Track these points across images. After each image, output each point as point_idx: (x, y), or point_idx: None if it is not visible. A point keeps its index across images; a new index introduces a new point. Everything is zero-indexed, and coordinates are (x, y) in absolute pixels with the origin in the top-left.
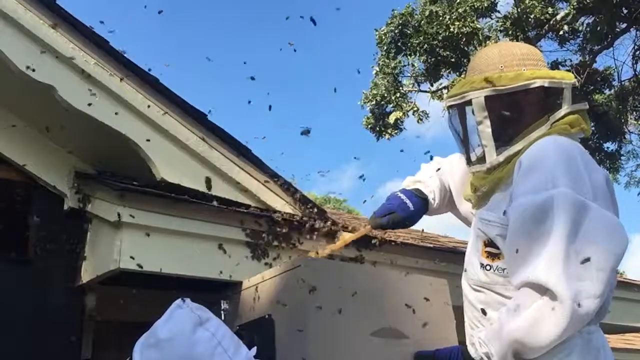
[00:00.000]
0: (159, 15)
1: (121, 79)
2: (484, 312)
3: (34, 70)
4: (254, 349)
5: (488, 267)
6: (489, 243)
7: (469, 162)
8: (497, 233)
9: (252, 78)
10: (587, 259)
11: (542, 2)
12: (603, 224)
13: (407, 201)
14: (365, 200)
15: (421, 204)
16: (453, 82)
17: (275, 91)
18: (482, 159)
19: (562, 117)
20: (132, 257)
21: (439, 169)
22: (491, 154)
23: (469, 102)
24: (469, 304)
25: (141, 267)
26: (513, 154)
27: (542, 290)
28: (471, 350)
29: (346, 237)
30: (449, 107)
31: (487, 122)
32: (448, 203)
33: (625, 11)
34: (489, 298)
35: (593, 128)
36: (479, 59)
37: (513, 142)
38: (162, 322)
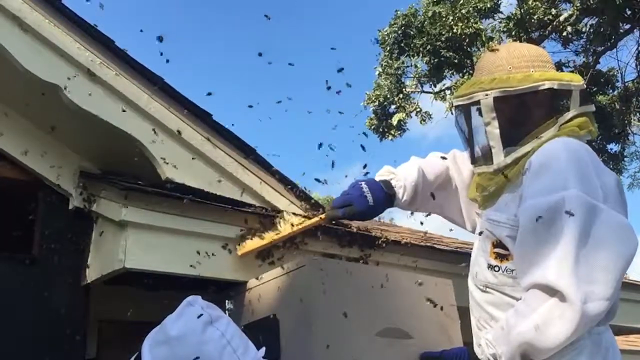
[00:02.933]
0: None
1: (126, 78)
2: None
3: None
4: (263, 350)
5: (497, 268)
6: (498, 244)
7: (474, 162)
8: (506, 234)
9: (263, 58)
10: (597, 262)
11: (545, 3)
12: (613, 226)
13: (368, 194)
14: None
15: (384, 199)
16: (456, 83)
17: (276, 91)
18: (488, 160)
19: (571, 119)
20: (136, 257)
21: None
22: (498, 155)
23: (477, 103)
24: (476, 304)
25: (146, 266)
26: (521, 156)
27: (552, 292)
28: (478, 352)
29: (295, 224)
30: (456, 107)
31: (495, 123)
32: (425, 200)
33: (628, 12)
34: (496, 299)
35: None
36: (487, 59)
37: (521, 143)
38: (172, 319)
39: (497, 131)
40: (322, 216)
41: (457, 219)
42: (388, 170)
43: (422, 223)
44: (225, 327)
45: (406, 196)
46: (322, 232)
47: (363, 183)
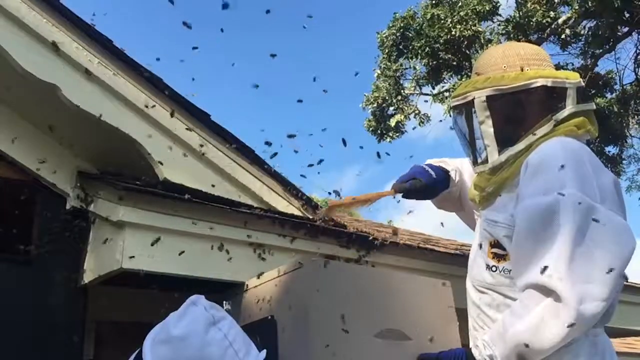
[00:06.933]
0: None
1: (125, 79)
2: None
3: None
4: (264, 352)
5: (494, 269)
6: (495, 244)
7: (474, 162)
8: (504, 234)
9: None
10: (594, 262)
11: (544, 6)
12: (610, 226)
13: (431, 170)
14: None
15: (444, 176)
16: (454, 85)
17: (277, 93)
18: (484, 159)
19: (567, 117)
20: (134, 257)
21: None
22: (493, 154)
23: (472, 102)
24: (473, 305)
25: (143, 267)
26: (515, 154)
27: (547, 292)
28: (475, 353)
29: (369, 195)
30: (454, 107)
31: (489, 122)
32: (460, 195)
33: (627, 15)
34: (493, 300)
35: None
36: (483, 59)
37: (516, 142)
38: (175, 318)
39: (491, 130)
40: (391, 190)
41: (466, 221)
42: (436, 160)
43: (442, 224)
44: (228, 329)
45: (457, 178)
46: (320, 233)
47: (423, 164)
